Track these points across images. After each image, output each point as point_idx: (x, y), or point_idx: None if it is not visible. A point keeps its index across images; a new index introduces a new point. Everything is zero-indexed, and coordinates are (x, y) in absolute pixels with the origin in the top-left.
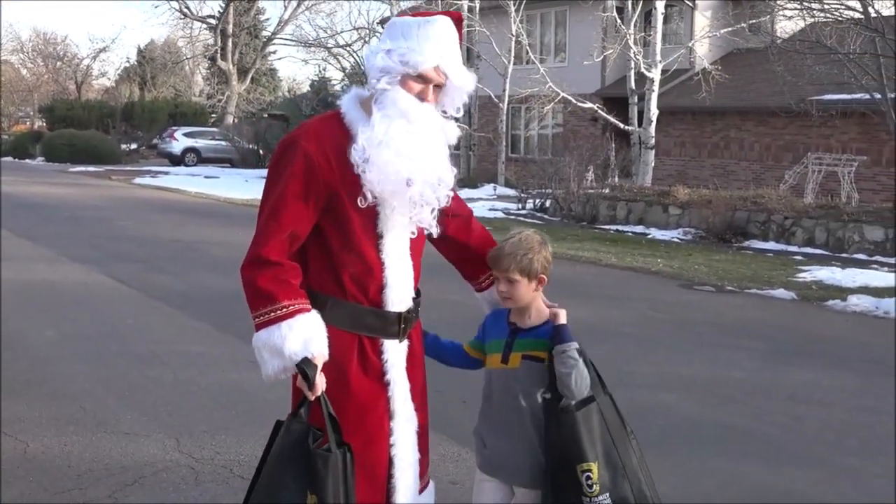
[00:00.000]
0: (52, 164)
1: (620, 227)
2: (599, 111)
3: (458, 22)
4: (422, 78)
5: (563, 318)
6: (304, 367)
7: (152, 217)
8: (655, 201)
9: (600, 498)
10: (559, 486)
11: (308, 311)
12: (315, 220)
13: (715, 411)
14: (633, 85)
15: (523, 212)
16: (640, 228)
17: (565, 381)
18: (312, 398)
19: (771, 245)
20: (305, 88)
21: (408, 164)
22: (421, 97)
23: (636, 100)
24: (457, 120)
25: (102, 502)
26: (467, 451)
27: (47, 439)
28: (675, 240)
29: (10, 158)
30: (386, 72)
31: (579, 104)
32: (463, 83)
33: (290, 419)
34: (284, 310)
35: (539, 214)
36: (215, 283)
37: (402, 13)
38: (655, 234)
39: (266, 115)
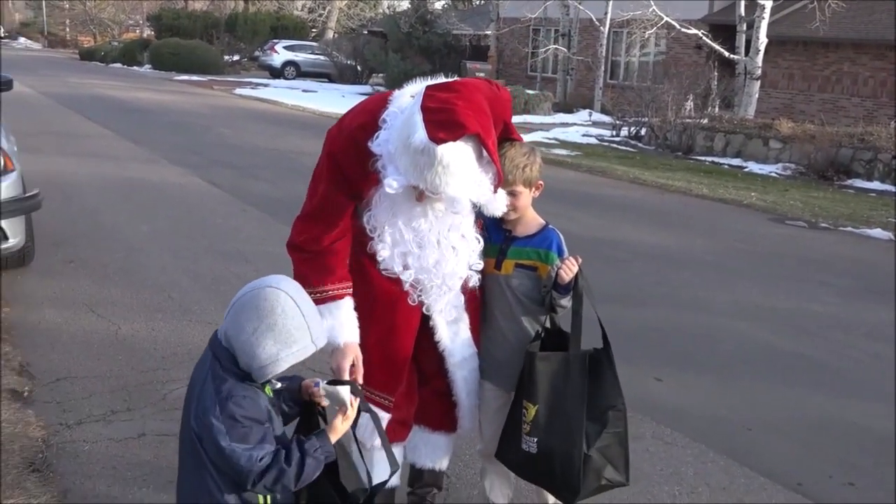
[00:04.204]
0: (158, 71)
1: (717, 159)
2: (704, 38)
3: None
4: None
5: (566, 278)
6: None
7: (250, 126)
8: (756, 134)
9: (528, 439)
10: (511, 412)
11: (338, 297)
12: (349, 206)
13: (789, 342)
14: (742, 12)
15: (617, 139)
16: (737, 161)
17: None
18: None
19: (875, 185)
20: (405, 6)
21: (401, 256)
22: (417, 199)
23: (745, 28)
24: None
25: (182, 382)
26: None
27: (137, 323)
28: (773, 174)
29: (118, 65)
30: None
31: (683, 30)
32: (451, 205)
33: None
34: (315, 296)
35: (633, 142)
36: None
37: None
38: (753, 167)
39: (365, 32)
